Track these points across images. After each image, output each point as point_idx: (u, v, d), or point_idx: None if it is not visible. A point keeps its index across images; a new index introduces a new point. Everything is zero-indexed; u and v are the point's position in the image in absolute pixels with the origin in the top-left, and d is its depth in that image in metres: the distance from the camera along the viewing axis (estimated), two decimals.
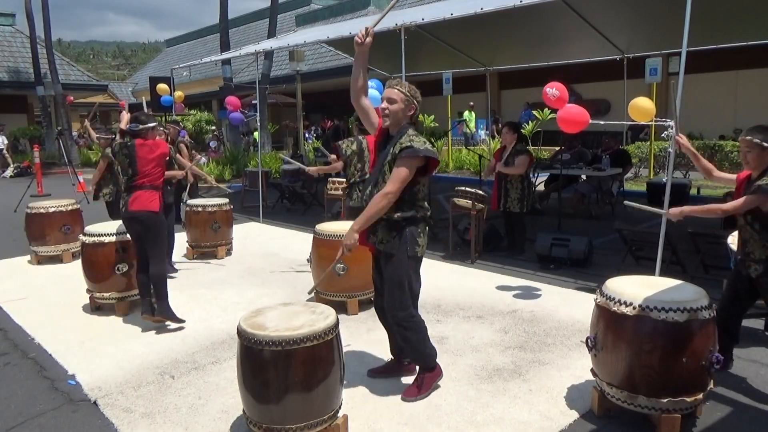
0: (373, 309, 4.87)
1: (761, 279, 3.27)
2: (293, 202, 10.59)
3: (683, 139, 3.72)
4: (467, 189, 6.42)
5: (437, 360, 3.38)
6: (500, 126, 9.71)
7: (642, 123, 4.83)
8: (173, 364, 3.89)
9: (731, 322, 3.46)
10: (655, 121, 4.72)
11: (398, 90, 3.04)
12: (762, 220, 3.20)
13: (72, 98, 14.45)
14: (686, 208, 3.39)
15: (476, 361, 3.81)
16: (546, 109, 14.09)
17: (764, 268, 3.24)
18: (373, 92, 6.06)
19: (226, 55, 13.13)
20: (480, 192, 6.38)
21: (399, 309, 3.10)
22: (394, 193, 2.94)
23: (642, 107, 4.65)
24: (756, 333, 4.20)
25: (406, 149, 2.94)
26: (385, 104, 3.05)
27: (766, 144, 3.21)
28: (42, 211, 6.76)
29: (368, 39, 2.97)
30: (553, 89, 4.86)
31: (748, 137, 3.26)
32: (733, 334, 3.50)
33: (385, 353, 3.91)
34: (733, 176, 3.58)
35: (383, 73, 11.85)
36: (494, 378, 3.57)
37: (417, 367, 3.40)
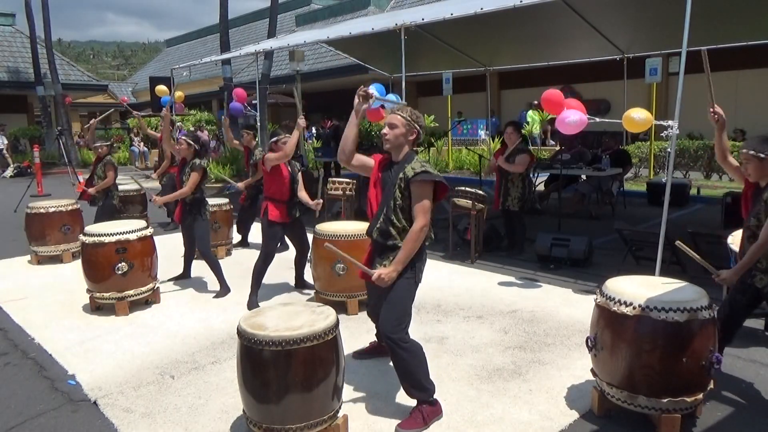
0: None
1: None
2: None
3: (718, 108, 3.32)
4: (467, 189, 6.42)
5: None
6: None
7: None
8: (173, 364, 3.89)
9: (726, 327, 3.36)
10: (655, 122, 4.72)
11: (400, 115, 3.04)
12: None
13: (70, 98, 14.45)
14: (737, 268, 3.16)
15: (476, 361, 3.81)
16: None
17: None
18: (378, 86, 6.10)
19: (226, 55, 13.14)
20: (480, 192, 6.38)
21: (396, 330, 2.99)
22: (427, 224, 2.98)
23: (636, 120, 4.59)
24: (756, 333, 4.20)
25: (420, 173, 2.95)
26: (386, 129, 3.04)
27: (762, 155, 3.16)
28: (42, 211, 6.76)
29: (371, 100, 3.10)
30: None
31: (744, 150, 3.23)
32: (728, 338, 3.43)
33: (384, 353, 3.91)
34: (740, 170, 3.41)
35: (383, 74, 11.85)
36: (494, 378, 3.58)
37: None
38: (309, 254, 5.20)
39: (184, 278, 5.91)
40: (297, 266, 5.51)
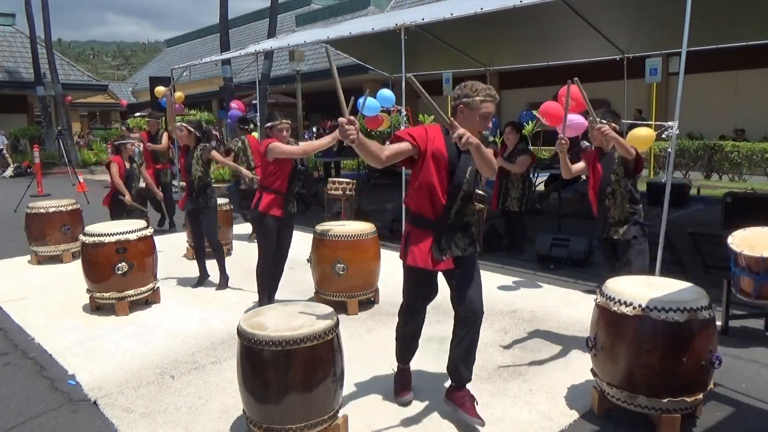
0: (373, 309, 4.92)
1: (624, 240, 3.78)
2: None
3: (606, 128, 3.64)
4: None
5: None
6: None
7: (641, 124, 4.82)
8: (173, 364, 3.89)
9: None
10: (655, 124, 4.72)
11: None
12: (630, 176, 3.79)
13: (70, 98, 14.45)
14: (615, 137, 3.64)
15: (476, 361, 3.80)
16: None
17: (625, 228, 3.81)
18: (372, 101, 6.16)
19: (226, 55, 13.13)
20: (480, 192, 6.37)
21: (482, 307, 3.11)
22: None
23: (640, 137, 4.65)
24: (756, 333, 4.20)
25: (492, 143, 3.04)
26: (488, 122, 2.89)
27: (604, 122, 3.67)
28: (42, 211, 6.77)
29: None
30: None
31: (590, 119, 3.75)
32: None
33: (384, 353, 3.91)
34: (581, 163, 4.05)
35: (383, 74, 11.85)
36: (494, 378, 3.58)
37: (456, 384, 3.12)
38: (309, 255, 5.19)
39: (205, 279, 5.77)
40: (271, 281, 4.86)
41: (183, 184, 6.68)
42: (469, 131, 2.69)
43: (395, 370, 3.37)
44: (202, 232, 5.60)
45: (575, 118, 4.77)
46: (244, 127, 8.04)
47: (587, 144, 6.23)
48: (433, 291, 3.22)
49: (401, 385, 3.32)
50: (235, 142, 7.67)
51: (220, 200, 7.11)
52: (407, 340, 3.26)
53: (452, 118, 2.72)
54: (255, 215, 4.63)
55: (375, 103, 6.54)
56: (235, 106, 10.75)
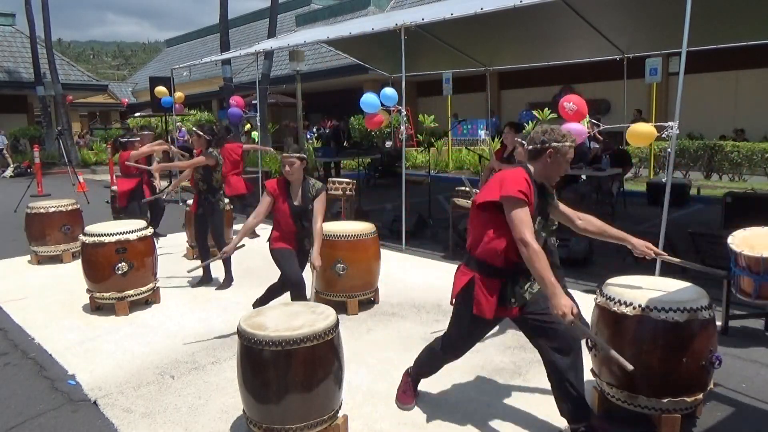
0: (373, 309, 4.91)
1: None
2: None
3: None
4: (467, 189, 6.41)
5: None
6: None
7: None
8: (173, 364, 3.89)
9: None
10: (656, 125, 4.73)
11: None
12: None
13: (71, 98, 14.44)
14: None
15: (476, 361, 3.81)
16: (546, 109, 14.07)
17: None
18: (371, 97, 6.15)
19: (226, 55, 13.13)
20: (464, 188, 6.37)
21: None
22: None
23: (641, 132, 4.65)
24: (756, 333, 4.20)
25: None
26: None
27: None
28: (42, 211, 6.77)
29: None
30: (570, 103, 4.82)
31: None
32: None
33: (384, 352, 3.91)
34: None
35: (383, 74, 11.85)
36: (494, 378, 3.58)
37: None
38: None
39: (208, 281, 5.75)
40: (270, 291, 4.51)
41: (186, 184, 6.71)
42: (551, 175, 2.81)
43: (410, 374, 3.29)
44: (206, 234, 5.62)
45: (575, 127, 4.76)
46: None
47: (596, 146, 6.30)
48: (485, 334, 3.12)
49: (407, 393, 3.25)
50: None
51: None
52: (436, 369, 3.25)
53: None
54: (269, 250, 4.30)
55: (374, 99, 6.53)
56: (234, 103, 10.73)
